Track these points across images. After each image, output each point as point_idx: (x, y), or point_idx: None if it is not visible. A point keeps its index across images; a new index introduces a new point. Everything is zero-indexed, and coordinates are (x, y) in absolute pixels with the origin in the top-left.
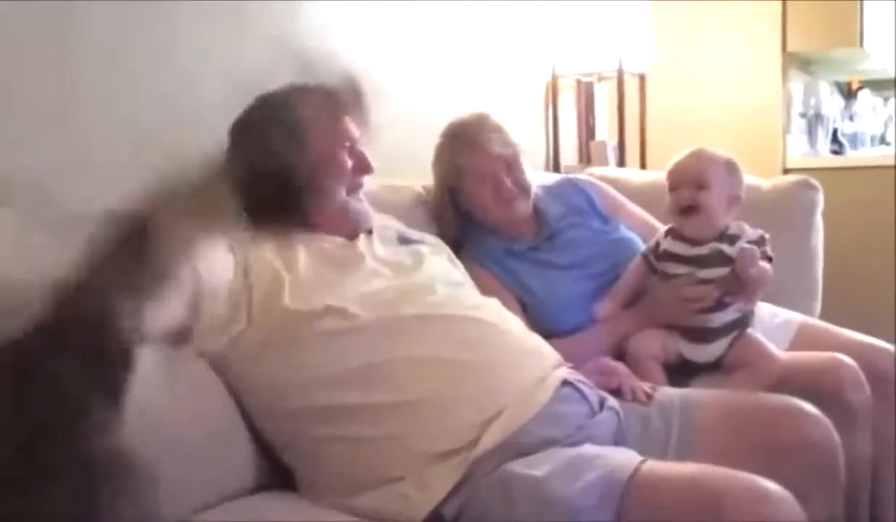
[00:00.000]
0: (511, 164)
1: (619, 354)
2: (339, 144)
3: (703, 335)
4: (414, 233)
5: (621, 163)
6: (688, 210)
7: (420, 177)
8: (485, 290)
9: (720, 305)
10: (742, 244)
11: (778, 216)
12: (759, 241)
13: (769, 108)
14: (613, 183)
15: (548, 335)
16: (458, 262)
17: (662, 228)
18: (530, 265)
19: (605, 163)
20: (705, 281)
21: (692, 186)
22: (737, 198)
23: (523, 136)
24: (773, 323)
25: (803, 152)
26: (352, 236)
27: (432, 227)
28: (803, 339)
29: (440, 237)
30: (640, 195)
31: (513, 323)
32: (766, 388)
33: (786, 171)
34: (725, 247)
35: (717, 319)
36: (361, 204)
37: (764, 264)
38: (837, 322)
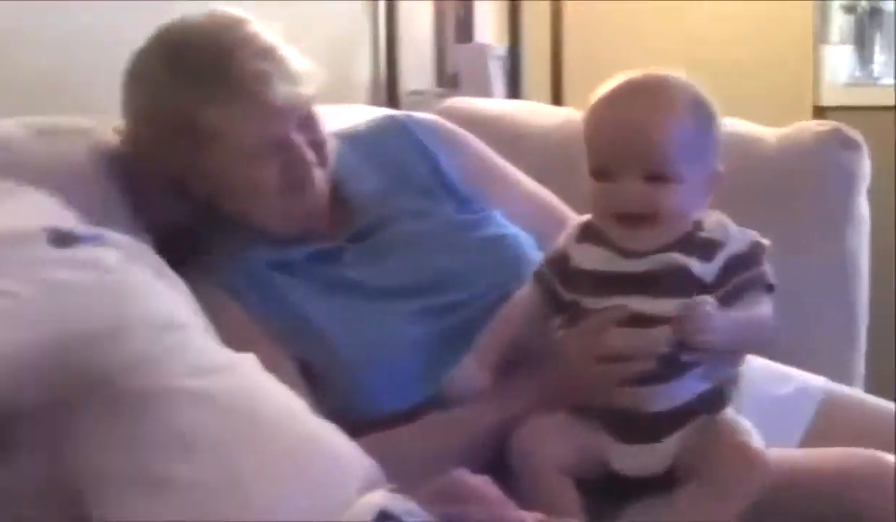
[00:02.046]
0: (306, 118)
1: (496, 460)
2: None
3: (639, 426)
4: (84, 228)
5: (514, 89)
6: (633, 220)
7: (97, 111)
8: (229, 336)
9: (673, 367)
10: (720, 259)
11: (789, 195)
12: (751, 255)
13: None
14: (492, 126)
15: (357, 423)
16: (178, 283)
17: (575, 222)
18: (320, 287)
19: (483, 88)
20: (647, 321)
21: (640, 173)
22: (716, 177)
23: (321, 44)
24: (777, 395)
25: (848, 77)
26: None
27: (126, 209)
28: (830, 422)
29: (146, 229)
30: (546, 152)
31: (281, 405)
32: (743, 514)
33: (818, 112)
34: (693, 263)
35: (666, 396)
36: None
37: (734, 317)
38: (893, 390)
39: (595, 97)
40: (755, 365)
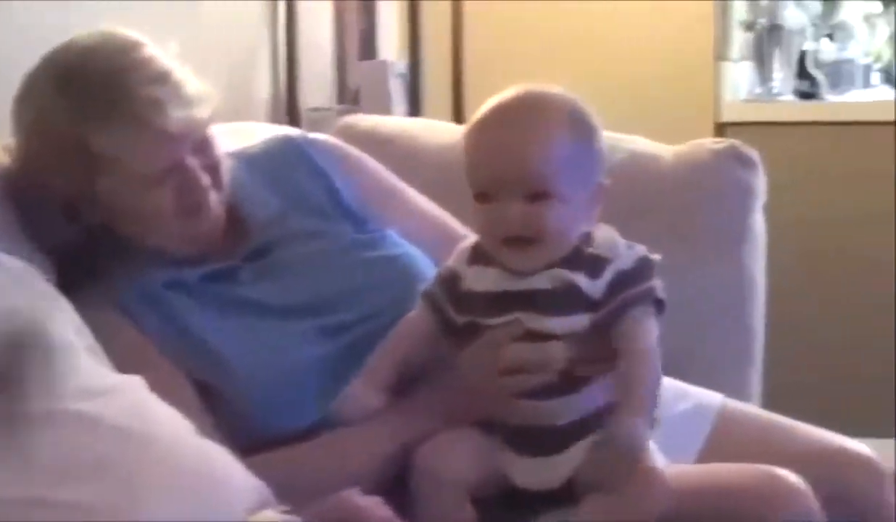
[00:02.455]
0: (201, 142)
1: (394, 478)
2: None
3: (540, 440)
4: None
5: (414, 106)
6: (518, 242)
7: None
8: (126, 358)
9: (571, 382)
10: (608, 275)
11: (686, 212)
12: (639, 270)
13: (686, 15)
14: (391, 144)
15: (255, 443)
16: (64, 305)
17: (465, 243)
18: (216, 307)
19: (383, 105)
20: (541, 337)
21: (520, 194)
22: (601, 190)
23: (219, 61)
24: (675, 412)
25: (748, 93)
26: None
27: (23, 230)
28: (727, 438)
29: (46, 250)
30: (443, 170)
31: (170, 425)
32: None
33: (719, 128)
34: (581, 280)
35: (565, 409)
36: None
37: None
38: (790, 405)
39: (471, 120)
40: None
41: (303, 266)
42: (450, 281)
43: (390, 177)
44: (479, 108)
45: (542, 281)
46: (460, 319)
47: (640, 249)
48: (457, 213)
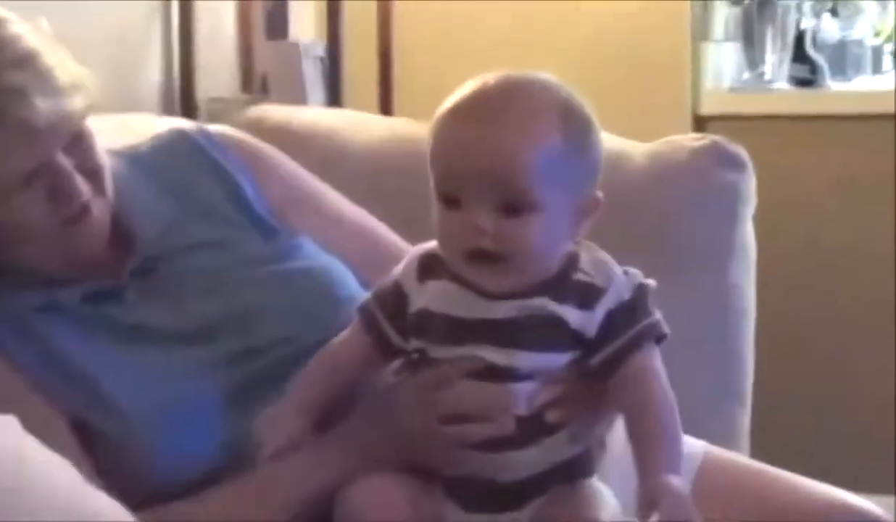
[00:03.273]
0: (76, 138)
1: None
2: None
3: (489, 495)
4: None
5: (334, 95)
6: (487, 258)
7: None
8: None
9: (532, 432)
10: (602, 308)
11: (660, 224)
12: (638, 302)
13: None
14: (307, 139)
15: (146, 495)
16: None
17: (414, 252)
18: (97, 334)
19: (297, 93)
20: (505, 376)
21: (493, 202)
22: (592, 203)
23: (102, 41)
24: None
25: (734, 80)
26: None
27: None
28: (712, 495)
29: None
30: (370, 171)
31: (47, 474)
32: None
33: (698, 122)
34: (569, 312)
35: (524, 463)
36: None
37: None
38: (781, 456)
39: (442, 107)
40: (618, 425)
41: (199, 282)
42: (392, 296)
43: (306, 178)
44: (453, 94)
45: (517, 310)
46: (403, 343)
47: (635, 274)
48: (389, 221)
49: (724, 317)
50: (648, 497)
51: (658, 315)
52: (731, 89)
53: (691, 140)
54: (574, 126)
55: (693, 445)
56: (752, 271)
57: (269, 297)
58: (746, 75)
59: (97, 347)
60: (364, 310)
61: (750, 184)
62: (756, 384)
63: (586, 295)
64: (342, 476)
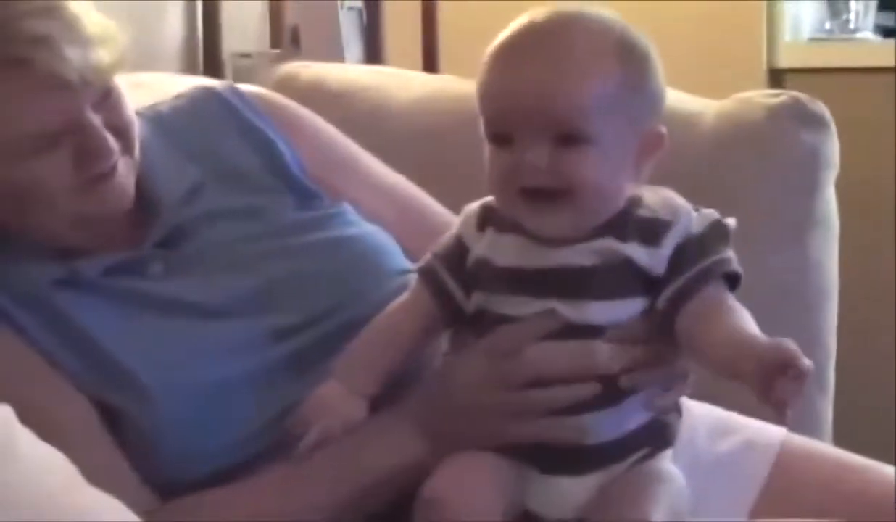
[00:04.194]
0: (105, 94)
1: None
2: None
3: (573, 459)
4: None
5: (373, 51)
6: (543, 196)
7: None
8: (10, 373)
9: (612, 392)
10: (670, 242)
11: (731, 190)
12: (712, 236)
13: None
14: (344, 99)
15: (175, 486)
16: None
17: (471, 206)
18: (120, 309)
19: (332, 49)
20: (580, 332)
21: (547, 135)
22: (655, 139)
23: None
24: (719, 451)
25: (814, 30)
26: None
27: None
28: (790, 484)
29: None
30: (412, 133)
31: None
32: None
33: (774, 76)
34: (635, 250)
35: (600, 427)
36: None
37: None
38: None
39: (491, 45)
40: (691, 413)
41: (230, 253)
42: (455, 254)
43: (344, 142)
44: (503, 31)
45: (581, 256)
46: (469, 302)
47: (709, 212)
48: (432, 188)
49: (804, 296)
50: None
51: (731, 253)
52: (811, 40)
53: (767, 96)
54: (631, 57)
55: (770, 433)
56: (835, 245)
57: (310, 268)
58: (828, 24)
59: (117, 321)
60: (427, 270)
61: (832, 147)
62: (839, 370)
63: (651, 231)
64: (413, 460)
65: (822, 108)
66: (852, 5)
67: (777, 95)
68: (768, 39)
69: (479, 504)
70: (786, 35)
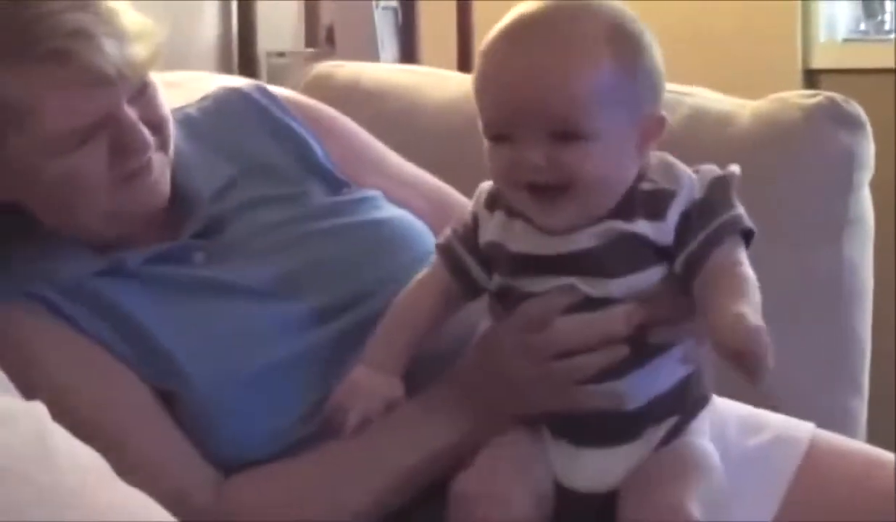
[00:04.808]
0: (141, 89)
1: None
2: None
3: (601, 429)
4: None
5: (408, 50)
6: (547, 191)
7: None
8: (58, 368)
9: (639, 354)
10: (675, 211)
11: (766, 190)
12: (716, 196)
13: None
14: (379, 99)
15: (231, 467)
16: None
17: (483, 185)
18: (167, 294)
19: (367, 48)
20: (599, 303)
21: (543, 132)
22: (655, 124)
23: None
24: (748, 446)
25: (849, 31)
26: None
27: None
28: (820, 480)
29: None
30: (446, 133)
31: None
32: None
33: (809, 76)
34: (642, 226)
35: (633, 390)
36: None
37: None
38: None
39: (484, 40)
40: (720, 408)
41: (271, 237)
42: (471, 231)
43: (372, 141)
44: (497, 23)
45: (589, 239)
46: (488, 282)
47: (708, 170)
48: (465, 188)
49: (839, 296)
50: (725, 328)
51: (740, 209)
52: (846, 40)
53: (802, 97)
54: (623, 45)
55: (800, 429)
56: (870, 245)
57: (349, 249)
58: (863, 25)
59: (165, 308)
60: (445, 247)
61: (867, 148)
62: (873, 369)
63: (656, 204)
64: (459, 438)
65: (857, 109)
66: (888, 6)
67: (813, 96)
68: (803, 40)
69: (509, 498)
70: (821, 36)
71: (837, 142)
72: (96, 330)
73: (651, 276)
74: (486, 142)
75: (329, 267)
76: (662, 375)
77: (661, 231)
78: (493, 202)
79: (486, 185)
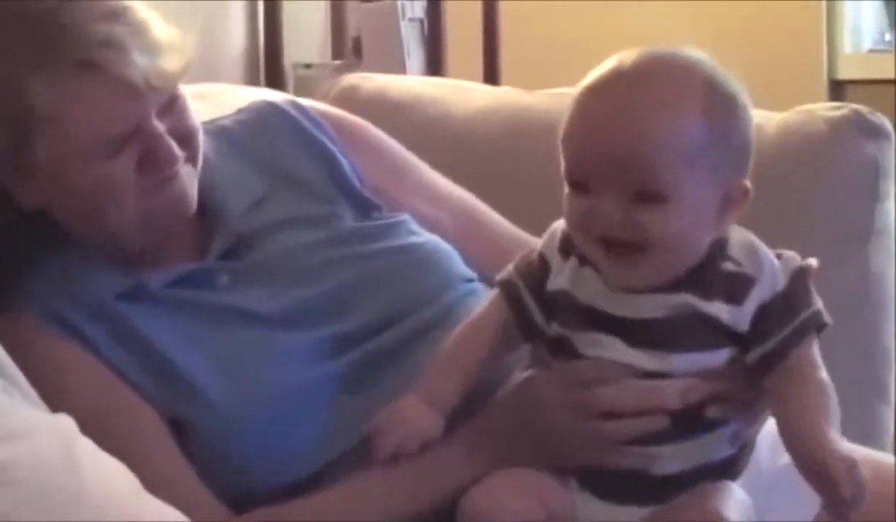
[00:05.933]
0: (170, 101)
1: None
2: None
3: (632, 487)
4: None
5: (435, 61)
6: (619, 246)
7: None
8: (78, 386)
9: (693, 424)
10: (753, 299)
11: (792, 202)
12: (797, 290)
13: None
14: (406, 110)
15: (243, 500)
16: None
17: (556, 224)
18: (189, 321)
19: (393, 60)
20: (657, 375)
21: (624, 190)
22: (739, 193)
23: (181, 7)
24: (778, 466)
25: (874, 42)
26: None
27: None
28: None
29: None
30: (473, 144)
31: (100, 482)
32: None
33: (835, 87)
34: (717, 308)
35: (681, 456)
36: None
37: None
38: None
39: (578, 87)
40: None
41: (296, 262)
42: (536, 271)
43: (402, 153)
44: (593, 71)
45: (658, 308)
46: (546, 327)
47: (790, 257)
48: (492, 200)
49: (864, 307)
50: (831, 468)
51: (819, 303)
52: (871, 51)
53: (828, 109)
54: (717, 110)
55: None
56: (894, 257)
57: (374, 276)
58: (888, 36)
59: (186, 334)
60: (507, 283)
61: (893, 158)
62: None
63: (735, 288)
64: (473, 479)
65: (882, 120)
66: None
67: (839, 108)
68: (829, 51)
69: (519, 510)
70: (846, 47)
71: (863, 154)
72: (114, 355)
73: (715, 357)
74: (565, 188)
75: (352, 295)
76: (705, 449)
77: (736, 316)
78: (567, 247)
79: (560, 227)
